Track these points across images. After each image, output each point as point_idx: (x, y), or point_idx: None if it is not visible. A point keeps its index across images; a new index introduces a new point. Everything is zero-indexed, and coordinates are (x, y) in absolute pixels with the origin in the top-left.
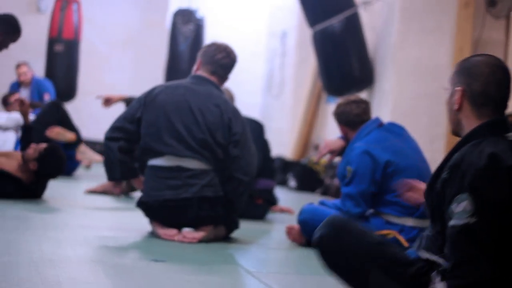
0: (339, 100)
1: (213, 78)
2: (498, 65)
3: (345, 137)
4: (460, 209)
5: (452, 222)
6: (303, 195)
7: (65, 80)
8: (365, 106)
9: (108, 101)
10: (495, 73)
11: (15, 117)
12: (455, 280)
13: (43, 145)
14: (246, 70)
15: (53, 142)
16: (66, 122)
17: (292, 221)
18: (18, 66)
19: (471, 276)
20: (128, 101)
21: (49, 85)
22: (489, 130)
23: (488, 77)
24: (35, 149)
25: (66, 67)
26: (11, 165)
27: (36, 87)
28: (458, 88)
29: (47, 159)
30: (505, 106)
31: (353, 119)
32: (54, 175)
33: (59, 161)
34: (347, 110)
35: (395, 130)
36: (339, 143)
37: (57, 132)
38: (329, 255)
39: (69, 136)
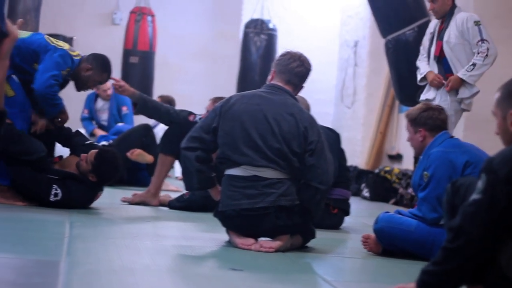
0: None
1: (288, 87)
2: None
3: (421, 142)
4: (477, 186)
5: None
6: (376, 205)
7: (140, 91)
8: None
9: (121, 88)
10: None
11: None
12: (445, 242)
13: (92, 155)
14: (318, 80)
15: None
16: (150, 146)
17: (368, 230)
18: None
19: (457, 243)
20: (137, 102)
21: (126, 98)
22: None
23: None
24: (86, 161)
25: (141, 78)
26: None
27: (114, 100)
28: None
29: (102, 168)
30: None
31: (439, 124)
32: (114, 178)
33: (114, 163)
34: (435, 114)
35: (467, 144)
36: None
37: (137, 154)
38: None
39: (148, 158)
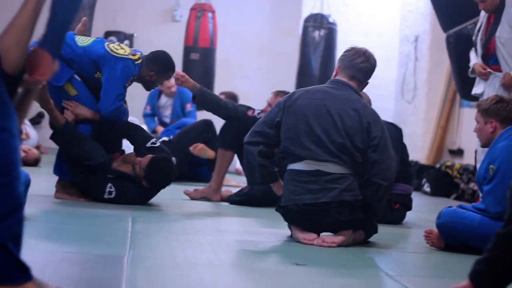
0: (489, 97)
1: (352, 83)
2: None
3: (491, 133)
4: None
5: None
6: (438, 200)
7: None
8: None
9: (183, 78)
10: None
11: None
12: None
13: (146, 162)
14: (378, 75)
15: (157, 152)
16: (211, 142)
17: (430, 225)
18: None
19: (508, 228)
20: (196, 94)
21: (190, 95)
22: None
23: None
24: (140, 166)
25: (202, 75)
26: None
27: (178, 98)
28: None
29: (154, 177)
30: None
31: None
32: (165, 185)
33: (167, 172)
34: (508, 107)
35: None
36: None
37: (200, 149)
38: None
39: (210, 153)
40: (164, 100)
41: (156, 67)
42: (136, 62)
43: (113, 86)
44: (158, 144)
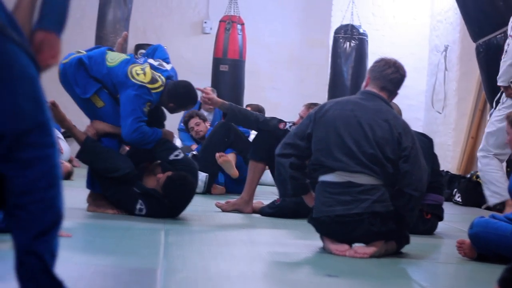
0: None
1: (382, 94)
2: None
3: None
4: None
5: None
6: (469, 210)
7: (230, 99)
8: None
9: (210, 101)
10: None
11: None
12: None
13: (162, 180)
14: (408, 85)
15: (180, 168)
16: (235, 143)
17: (462, 235)
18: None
19: None
20: (226, 112)
21: None
22: None
23: None
24: (158, 185)
25: (231, 86)
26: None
27: (219, 113)
28: None
29: (171, 196)
30: None
31: None
32: (185, 203)
33: (183, 191)
34: None
35: None
36: None
37: (224, 160)
38: None
39: (233, 171)
40: (208, 115)
41: (175, 101)
42: (154, 91)
43: (129, 110)
44: (181, 156)
